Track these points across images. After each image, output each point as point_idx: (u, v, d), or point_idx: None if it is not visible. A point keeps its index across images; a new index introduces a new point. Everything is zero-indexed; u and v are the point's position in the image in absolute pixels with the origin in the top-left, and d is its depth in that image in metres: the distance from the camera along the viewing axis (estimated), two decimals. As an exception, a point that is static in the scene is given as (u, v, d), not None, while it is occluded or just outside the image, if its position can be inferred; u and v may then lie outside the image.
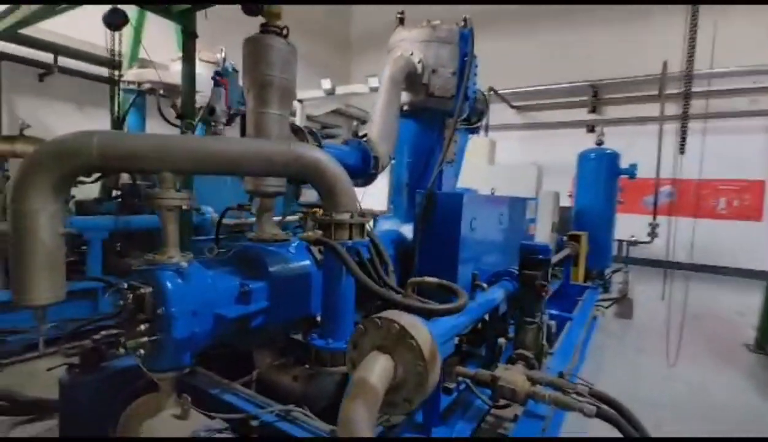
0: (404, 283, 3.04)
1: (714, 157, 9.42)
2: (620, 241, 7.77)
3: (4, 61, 6.66)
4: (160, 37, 6.14)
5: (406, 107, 3.35)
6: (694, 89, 9.77)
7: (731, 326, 5.38)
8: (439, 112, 3.34)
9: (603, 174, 6.63)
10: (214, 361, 2.21)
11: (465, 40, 3.26)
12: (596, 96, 10.24)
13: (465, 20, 3.32)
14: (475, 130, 4.47)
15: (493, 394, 1.93)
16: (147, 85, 5.40)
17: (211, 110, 3.72)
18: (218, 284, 1.88)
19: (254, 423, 1.75)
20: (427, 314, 1.23)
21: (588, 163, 6.74)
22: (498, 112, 11.36)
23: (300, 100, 9.48)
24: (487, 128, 9.31)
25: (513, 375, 1.96)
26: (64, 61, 7.03)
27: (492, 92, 9.66)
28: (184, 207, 1.80)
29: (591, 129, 10.25)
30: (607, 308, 5.51)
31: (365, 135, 3.17)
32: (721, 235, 9.25)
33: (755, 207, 9.06)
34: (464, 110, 3.46)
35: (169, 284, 1.68)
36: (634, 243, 7.28)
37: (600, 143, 6.86)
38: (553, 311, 3.80)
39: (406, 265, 2.99)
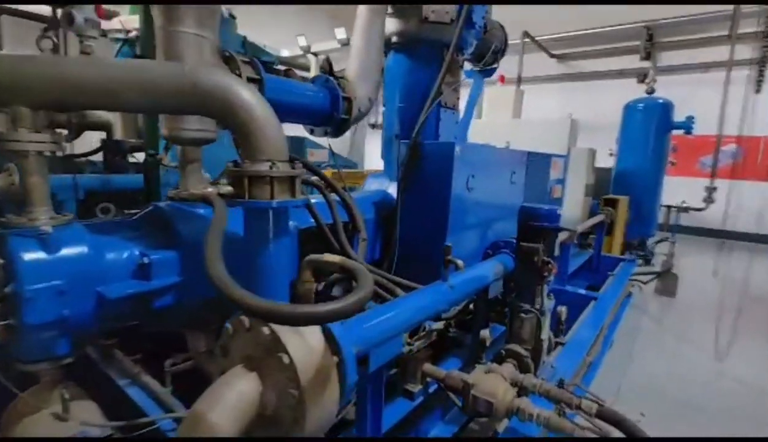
0: (386, 255, 2.59)
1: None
2: (668, 207, 6.82)
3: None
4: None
5: (395, 39, 2.73)
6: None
7: None
8: (438, 44, 2.69)
9: (652, 128, 5.68)
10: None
11: (470, -53, 2.55)
12: (651, 40, 8.85)
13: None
14: (489, 73, 3.75)
15: (464, 405, 1.44)
16: (133, 34, 4.97)
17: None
18: (103, 255, 1.46)
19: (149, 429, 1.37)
20: (290, 320, 0.75)
21: (634, 115, 5.79)
22: (534, 62, 10.21)
23: (315, 53, 8.84)
24: (519, 80, 8.34)
25: (493, 382, 1.46)
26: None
27: (527, 39, 8.57)
28: (47, 153, 1.37)
29: (643, 79, 8.94)
30: (646, 283, 4.79)
31: (339, 73, 2.61)
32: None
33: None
34: (469, 41, 2.79)
35: (22, 255, 1.28)
36: (685, 210, 6.34)
37: (651, 92, 5.86)
38: (579, 290, 3.21)
39: (389, 232, 2.49)
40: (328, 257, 1.09)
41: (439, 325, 2.16)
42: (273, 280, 1.52)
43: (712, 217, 8.57)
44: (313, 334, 0.88)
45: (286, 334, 0.83)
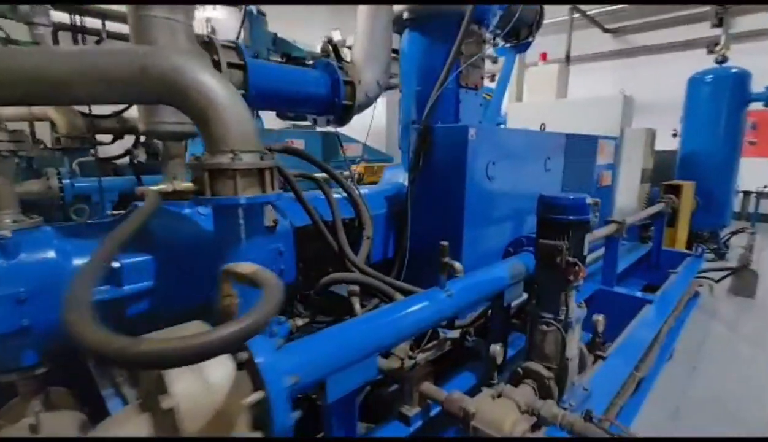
0: (398, 254, 2.35)
1: None
2: (746, 193, 5.94)
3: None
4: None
5: (407, 15, 2.47)
6: None
7: None
8: (455, 17, 2.39)
9: (724, 103, 4.93)
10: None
11: None
12: (723, 2, 7.77)
13: None
14: (522, 48, 3.36)
15: (464, 437, 1.21)
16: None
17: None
18: (71, 260, 1.37)
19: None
20: (149, 361, 0.56)
21: (702, 89, 5.06)
22: (586, 39, 9.39)
23: (350, 47, 8.69)
24: (568, 58, 7.68)
25: (500, 410, 1.21)
26: None
27: (577, 13, 7.85)
28: (5, 153, 1.29)
29: (713, 48, 7.91)
30: (718, 281, 4.15)
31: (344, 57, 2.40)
32: None
33: None
34: (492, 11, 2.47)
35: (-25, 260, 1.20)
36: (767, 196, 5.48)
37: (722, 61, 5.09)
38: (632, 291, 2.79)
39: (402, 229, 2.26)
40: (240, 267, 0.89)
41: (454, 334, 1.91)
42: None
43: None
44: (218, 367, 0.69)
45: (171, 373, 0.64)
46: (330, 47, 2.24)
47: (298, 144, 6.04)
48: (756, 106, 5.09)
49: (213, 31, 5.49)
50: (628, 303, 2.65)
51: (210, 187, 1.24)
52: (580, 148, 3.14)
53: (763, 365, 2.67)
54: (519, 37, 3.32)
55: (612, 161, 3.69)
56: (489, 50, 3.16)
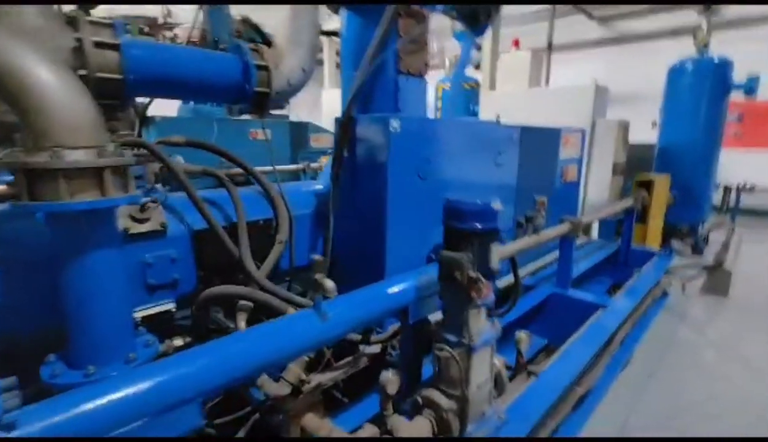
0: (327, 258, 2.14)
1: None
2: (726, 188, 5.78)
3: None
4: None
5: (336, -7, 2.24)
6: None
7: None
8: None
9: (704, 93, 4.73)
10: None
11: None
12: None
13: None
14: (480, 31, 3.14)
15: None
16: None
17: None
18: None
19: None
20: None
21: (682, 78, 4.84)
22: (573, 26, 9.13)
23: (326, 33, 8.37)
24: (550, 46, 7.44)
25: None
26: None
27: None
28: None
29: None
30: (690, 279, 3.99)
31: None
32: None
33: None
34: (433, -11, 2.24)
35: None
36: (750, 190, 5.31)
37: (703, 50, 4.87)
38: (584, 295, 2.61)
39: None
40: None
41: (374, 349, 1.73)
42: (94, 309, 1.15)
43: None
44: None
45: None
46: (247, 26, 2.01)
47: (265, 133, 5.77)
48: (744, 95, 4.89)
49: (169, 13, 5.21)
50: (583, 308, 2.47)
51: (28, 190, 1.03)
52: (540, 142, 2.94)
53: (730, 374, 2.51)
54: (477, 20, 3.10)
55: (579, 155, 3.49)
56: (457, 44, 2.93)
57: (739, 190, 5.46)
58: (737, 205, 5.61)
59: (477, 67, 6.59)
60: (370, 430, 1.13)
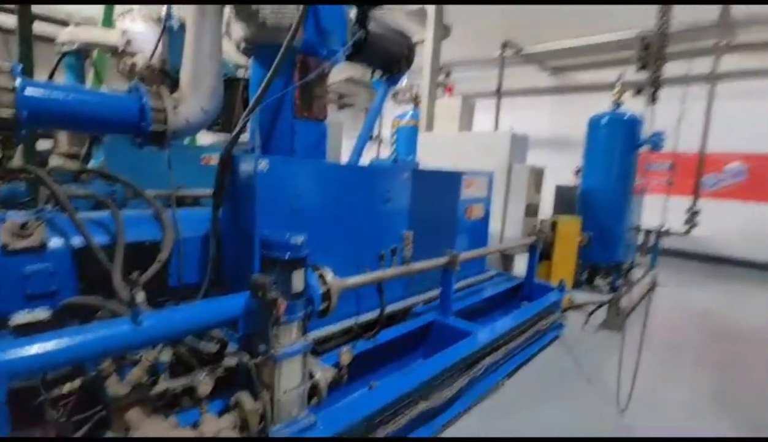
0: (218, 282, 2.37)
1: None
2: (647, 230, 6.25)
3: None
4: None
5: (243, 45, 2.57)
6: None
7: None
8: (289, 50, 2.49)
9: (617, 145, 5.23)
10: None
11: (315, -53, 2.37)
12: (647, 49, 8.30)
13: None
14: (394, 81, 3.52)
15: None
16: (77, 45, 5.06)
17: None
18: None
19: None
20: None
21: (599, 131, 5.35)
22: (526, 75, 9.83)
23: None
24: (499, 93, 8.01)
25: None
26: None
27: (510, 50, 8.22)
28: None
29: (639, 91, 8.39)
30: (591, 313, 4.32)
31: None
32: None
33: None
34: (327, 46, 2.58)
35: None
36: (666, 233, 5.77)
37: (618, 106, 5.41)
38: (459, 322, 2.87)
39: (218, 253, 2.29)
40: None
41: (231, 360, 1.93)
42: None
43: (717, 241, 7.86)
44: None
45: None
46: (154, 70, 2.29)
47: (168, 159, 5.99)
48: (680, 147, 5.34)
49: (128, 43, 5.50)
50: (457, 334, 2.73)
51: None
52: (437, 183, 3.27)
53: (587, 403, 2.78)
54: (392, 71, 3.48)
55: (486, 195, 3.85)
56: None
57: (659, 232, 5.92)
58: (656, 247, 6.06)
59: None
60: (169, 424, 1.34)
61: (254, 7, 2.34)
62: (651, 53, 8.58)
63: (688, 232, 5.79)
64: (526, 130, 5.32)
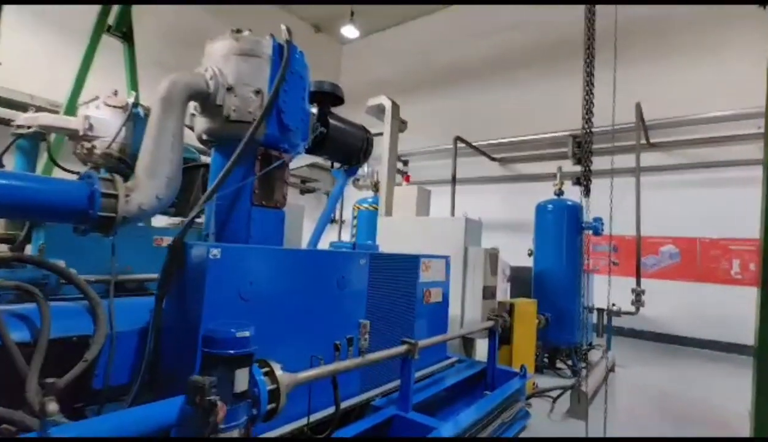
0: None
1: (724, 213, 8.17)
2: (600, 310, 6.48)
3: None
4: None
5: (205, 137, 2.64)
6: (697, 136, 8.76)
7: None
8: (251, 144, 2.59)
9: (563, 229, 5.60)
10: None
11: (278, 52, 2.59)
12: (579, 146, 9.35)
13: (288, 31, 2.66)
14: (352, 172, 3.69)
15: None
16: (33, 129, 5.01)
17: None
18: None
19: None
20: None
21: (545, 216, 5.75)
22: (478, 165, 10.63)
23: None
24: (454, 181, 8.55)
25: None
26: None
27: (460, 142, 8.98)
28: None
29: (577, 181, 9.22)
30: (555, 400, 4.24)
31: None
32: (737, 304, 7.69)
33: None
34: (288, 140, 2.70)
35: None
36: (617, 313, 5.99)
37: (560, 194, 5.90)
38: (423, 418, 2.72)
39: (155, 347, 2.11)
40: None
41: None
42: None
43: (662, 320, 8.21)
44: None
45: None
46: (111, 155, 2.28)
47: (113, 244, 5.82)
48: (616, 230, 5.77)
49: (90, 128, 5.52)
50: (419, 430, 2.57)
51: None
52: (395, 267, 3.30)
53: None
54: (350, 163, 3.67)
55: (444, 279, 3.90)
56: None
57: (610, 312, 6.13)
58: (610, 327, 6.24)
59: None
60: None
61: (219, 101, 2.46)
62: (582, 150, 9.68)
63: (637, 311, 6.03)
64: (481, 214, 5.64)
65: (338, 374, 2.14)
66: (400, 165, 12.14)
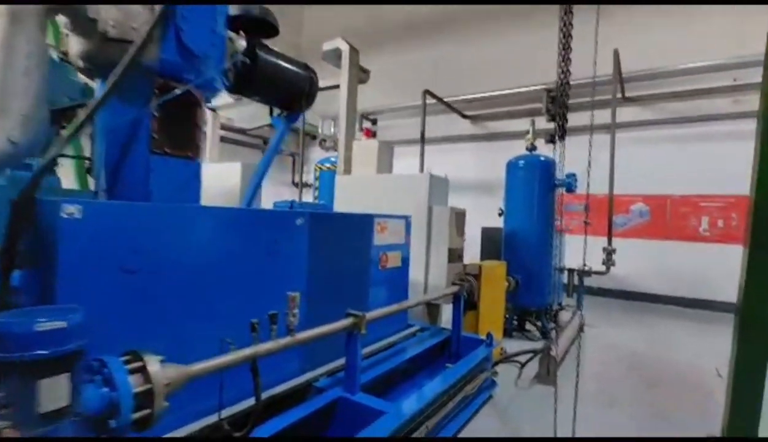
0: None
1: (695, 170, 8.04)
2: (570, 270, 6.29)
3: None
4: None
5: (81, 63, 2.05)
6: (671, 89, 8.49)
7: (696, 400, 3.76)
8: (142, 70, 2.01)
9: (535, 186, 5.25)
10: None
11: (173, -48, 1.97)
12: (553, 101, 8.96)
13: (187, -74, 2.03)
14: (294, 118, 3.15)
15: None
16: None
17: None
18: None
19: None
20: None
21: (517, 173, 5.38)
22: (449, 123, 10.13)
23: (213, 109, 8.29)
24: (423, 138, 8.04)
25: None
26: None
27: (429, 97, 8.40)
28: None
29: (551, 139, 8.89)
30: (523, 365, 4.01)
31: None
32: (704, 261, 7.71)
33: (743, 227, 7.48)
34: (189, 68, 2.12)
35: None
36: (587, 273, 5.80)
37: (532, 149, 5.51)
38: (370, 401, 2.36)
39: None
40: None
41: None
42: None
43: (630, 279, 8.20)
44: None
45: None
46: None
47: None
48: (591, 190, 5.46)
49: None
50: (368, 414, 2.22)
51: None
52: (342, 229, 2.86)
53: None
54: (291, 107, 3.12)
55: (403, 241, 3.50)
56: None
57: (581, 272, 5.95)
58: (581, 287, 6.08)
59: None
60: None
61: (92, 13, 1.86)
62: (556, 105, 9.28)
63: (607, 270, 5.86)
64: (453, 175, 5.21)
65: (256, 360, 1.71)
66: (368, 125, 11.50)
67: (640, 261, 8.24)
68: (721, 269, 7.63)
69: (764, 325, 2.69)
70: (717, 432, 2.99)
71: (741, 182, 7.64)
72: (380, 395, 2.84)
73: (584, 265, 5.48)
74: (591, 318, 6.08)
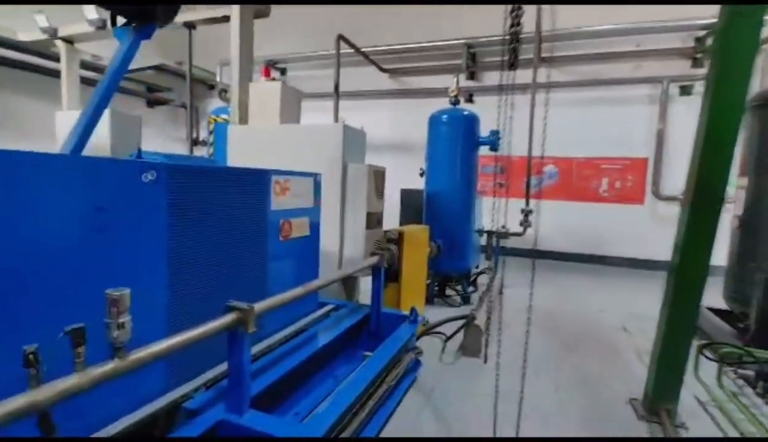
0: None
1: (598, 133, 8.42)
2: (489, 233, 6.21)
3: None
4: None
5: None
6: (578, 52, 8.67)
7: (613, 361, 3.83)
8: None
9: (459, 143, 4.88)
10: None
11: None
12: (474, 59, 8.67)
13: None
14: (148, 32, 2.25)
15: None
16: None
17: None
18: None
19: None
20: None
21: (440, 128, 4.94)
22: (367, 77, 9.39)
23: (66, 39, 6.51)
24: (337, 91, 7.23)
25: None
26: None
27: (344, 44, 7.54)
28: None
29: (470, 97, 8.67)
30: (449, 338, 3.73)
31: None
32: (604, 220, 8.27)
33: (638, 189, 8.12)
34: None
35: None
36: (505, 235, 5.73)
37: (456, 103, 5.10)
38: (268, 420, 1.77)
39: None
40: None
41: None
42: None
43: (540, 238, 8.52)
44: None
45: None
46: None
47: None
48: (503, 150, 5.23)
49: None
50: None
51: None
52: (225, 188, 2.12)
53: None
54: (143, 18, 2.20)
55: (312, 204, 2.85)
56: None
57: (499, 234, 5.88)
58: (498, 249, 6.02)
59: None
60: None
61: None
62: (476, 62, 9.02)
63: (524, 231, 5.84)
64: (369, 133, 4.59)
65: (47, 414, 0.99)
66: (276, 74, 10.26)
67: (549, 221, 8.59)
68: (617, 226, 8.25)
69: (697, 283, 2.63)
70: (638, 394, 2.99)
71: (639, 146, 8.21)
72: (285, 399, 2.28)
73: (503, 227, 5.36)
74: (507, 279, 6.09)
